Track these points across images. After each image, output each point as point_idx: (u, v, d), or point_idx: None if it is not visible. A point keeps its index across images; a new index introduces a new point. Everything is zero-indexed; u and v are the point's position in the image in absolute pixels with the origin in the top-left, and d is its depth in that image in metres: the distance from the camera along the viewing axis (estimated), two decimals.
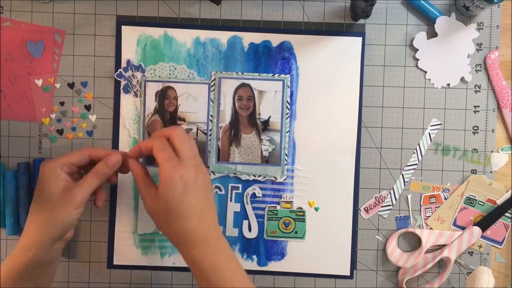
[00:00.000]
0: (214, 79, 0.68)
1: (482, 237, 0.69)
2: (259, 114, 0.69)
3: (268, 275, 0.69)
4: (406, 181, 0.69)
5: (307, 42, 0.68)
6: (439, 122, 0.69)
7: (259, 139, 0.69)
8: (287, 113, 0.69)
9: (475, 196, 0.69)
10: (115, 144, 0.69)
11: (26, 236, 0.56)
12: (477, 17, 0.68)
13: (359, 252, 0.69)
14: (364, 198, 0.69)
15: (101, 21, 0.69)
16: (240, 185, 0.69)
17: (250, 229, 0.69)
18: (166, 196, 0.54)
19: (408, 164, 0.69)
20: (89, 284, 0.70)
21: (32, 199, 0.57)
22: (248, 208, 0.69)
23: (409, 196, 0.69)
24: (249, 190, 0.69)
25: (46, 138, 0.69)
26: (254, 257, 0.69)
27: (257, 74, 0.68)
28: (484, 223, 0.68)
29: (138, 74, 0.68)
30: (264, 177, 0.69)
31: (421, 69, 0.69)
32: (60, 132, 0.69)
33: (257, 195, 0.69)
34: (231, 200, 0.69)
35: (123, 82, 0.68)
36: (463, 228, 0.69)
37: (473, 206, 0.69)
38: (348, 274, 0.69)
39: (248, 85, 0.68)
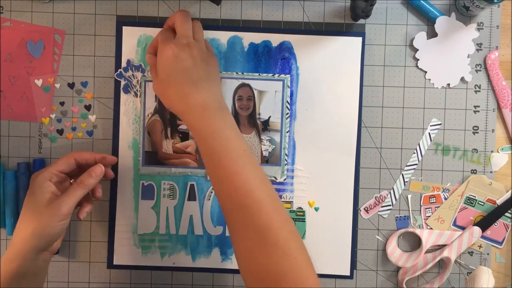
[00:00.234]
0: None
1: (482, 237, 0.69)
2: (259, 114, 0.69)
3: None
4: (406, 181, 0.69)
5: (307, 42, 0.68)
6: (439, 122, 0.69)
7: (259, 139, 0.69)
8: (287, 113, 0.69)
9: (475, 196, 0.69)
10: (115, 144, 0.69)
11: (12, 247, 0.56)
12: (477, 17, 0.68)
13: (359, 252, 0.69)
14: (364, 198, 0.69)
15: (101, 21, 0.69)
16: None
17: None
18: (160, 69, 0.60)
19: (408, 164, 0.69)
20: (89, 284, 0.70)
21: None
22: None
23: (409, 196, 0.69)
24: None
25: (46, 138, 0.69)
26: None
27: (257, 74, 0.68)
28: (484, 223, 0.68)
29: (138, 74, 0.68)
30: None
31: (421, 69, 0.69)
32: (60, 132, 0.69)
33: None
34: None
35: (123, 82, 0.68)
36: (463, 228, 0.69)
37: (473, 206, 0.69)
38: (348, 274, 0.69)
39: (248, 85, 0.68)
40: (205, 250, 0.69)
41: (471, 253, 0.69)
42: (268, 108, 0.68)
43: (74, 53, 0.69)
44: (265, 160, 0.69)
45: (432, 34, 0.68)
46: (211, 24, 0.69)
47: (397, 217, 0.69)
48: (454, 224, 0.69)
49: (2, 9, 0.68)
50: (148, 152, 0.69)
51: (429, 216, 0.69)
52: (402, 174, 0.69)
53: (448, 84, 0.69)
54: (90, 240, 0.69)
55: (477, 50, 0.69)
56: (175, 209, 0.69)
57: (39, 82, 0.68)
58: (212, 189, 0.68)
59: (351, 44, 0.68)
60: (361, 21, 0.68)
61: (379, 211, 0.69)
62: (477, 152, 0.69)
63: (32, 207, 0.57)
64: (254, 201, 0.53)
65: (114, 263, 0.69)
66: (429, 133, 0.69)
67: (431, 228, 0.69)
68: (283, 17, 0.69)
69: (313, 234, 0.69)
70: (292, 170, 0.69)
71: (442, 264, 0.69)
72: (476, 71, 0.69)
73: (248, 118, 0.69)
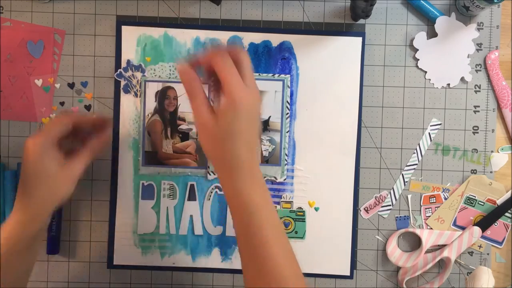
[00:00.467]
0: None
1: (482, 237, 0.69)
2: None
3: None
4: (406, 181, 0.69)
5: (307, 42, 0.68)
6: (439, 122, 0.69)
7: (259, 139, 0.69)
8: (287, 113, 0.69)
9: (475, 196, 0.69)
10: (115, 144, 0.69)
11: (24, 212, 0.56)
12: (477, 17, 0.68)
13: (359, 252, 0.69)
14: (364, 198, 0.69)
15: (101, 21, 0.69)
16: None
17: None
18: (226, 115, 0.51)
19: (408, 164, 0.69)
20: (89, 284, 0.70)
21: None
22: None
23: (409, 196, 0.69)
24: None
25: None
26: None
27: (257, 74, 0.68)
28: (484, 223, 0.68)
29: (138, 74, 0.68)
30: (264, 177, 0.68)
31: (421, 69, 0.69)
32: None
33: None
34: None
35: (123, 82, 0.68)
36: (463, 228, 0.69)
37: (473, 206, 0.69)
38: (348, 274, 0.69)
39: None
40: (205, 250, 0.69)
41: (471, 253, 0.69)
42: (268, 108, 0.68)
43: (74, 53, 0.69)
44: (265, 160, 0.69)
45: (432, 34, 0.68)
46: (211, 24, 0.69)
47: (397, 217, 0.69)
48: (454, 224, 0.69)
49: (2, 9, 0.68)
50: (148, 152, 0.69)
51: (429, 216, 0.69)
52: (402, 174, 0.69)
53: (448, 84, 0.69)
54: (90, 240, 0.69)
55: (477, 50, 0.69)
56: (175, 209, 0.69)
57: (39, 82, 0.68)
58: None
59: (351, 44, 0.68)
60: (361, 21, 0.68)
61: (379, 211, 0.69)
62: (477, 152, 0.69)
63: (44, 174, 0.55)
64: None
65: (114, 263, 0.69)
66: (429, 133, 0.69)
67: (431, 228, 0.69)
68: (283, 17, 0.69)
69: (313, 234, 0.69)
70: (292, 170, 0.69)
71: (442, 264, 0.69)
72: (476, 71, 0.69)
73: None
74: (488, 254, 0.69)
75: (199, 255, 0.69)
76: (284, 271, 0.51)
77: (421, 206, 0.69)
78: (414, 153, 0.69)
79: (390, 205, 0.69)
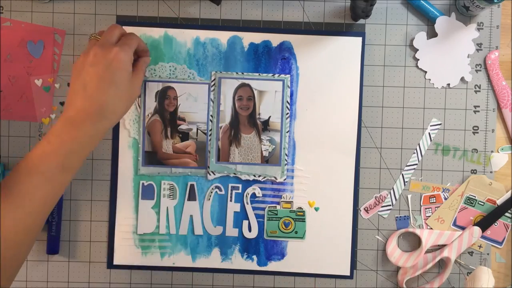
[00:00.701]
0: (214, 79, 0.68)
1: (482, 237, 0.69)
2: (259, 114, 0.69)
3: (268, 275, 0.69)
4: (406, 181, 0.69)
5: (307, 42, 0.68)
6: (439, 122, 0.69)
7: (259, 139, 0.69)
8: (287, 113, 0.69)
9: (475, 196, 0.69)
10: (115, 144, 0.69)
11: (113, 112, 0.59)
12: (477, 17, 0.68)
13: (359, 252, 0.69)
14: (364, 198, 0.69)
15: (101, 21, 0.69)
16: (240, 185, 0.69)
17: (250, 229, 0.69)
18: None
19: (408, 164, 0.69)
20: (89, 284, 0.70)
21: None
22: (248, 208, 0.69)
23: (409, 196, 0.69)
24: (249, 190, 0.69)
25: None
26: (254, 257, 0.69)
27: (257, 74, 0.68)
28: (484, 223, 0.68)
29: None
30: (264, 177, 0.69)
31: (421, 69, 0.69)
32: None
33: (257, 195, 0.69)
34: (231, 200, 0.69)
35: None
36: (463, 228, 0.69)
37: (473, 206, 0.69)
38: (348, 274, 0.69)
39: (248, 85, 0.68)
40: (205, 250, 0.69)
41: (471, 253, 0.69)
42: (268, 108, 0.68)
43: (74, 53, 0.69)
44: (265, 160, 0.69)
45: (432, 34, 0.68)
46: (211, 24, 0.69)
47: (397, 217, 0.69)
48: (454, 224, 0.69)
49: (2, 9, 0.68)
50: (148, 152, 0.69)
51: (429, 216, 0.69)
52: (402, 174, 0.69)
53: (448, 84, 0.69)
54: (90, 240, 0.69)
55: (477, 50, 0.69)
56: (175, 209, 0.69)
57: (39, 82, 0.68)
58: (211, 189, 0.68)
59: (351, 44, 0.68)
60: (361, 21, 0.68)
61: (379, 211, 0.69)
62: (477, 152, 0.69)
63: (126, 82, 0.59)
64: None
65: (114, 263, 0.69)
66: (429, 133, 0.69)
67: (431, 228, 0.69)
68: (283, 17, 0.69)
69: (313, 234, 0.69)
70: (292, 170, 0.69)
71: (442, 264, 0.69)
72: (476, 71, 0.69)
73: (248, 118, 0.69)
74: (488, 254, 0.69)
75: (199, 255, 0.69)
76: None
77: (421, 206, 0.69)
78: (414, 153, 0.69)
79: (390, 205, 0.69)
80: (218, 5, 0.68)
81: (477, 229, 0.68)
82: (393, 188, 0.69)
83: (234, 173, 0.68)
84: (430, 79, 0.69)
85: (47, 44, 0.68)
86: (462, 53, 0.68)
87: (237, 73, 0.68)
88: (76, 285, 0.70)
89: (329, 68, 0.68)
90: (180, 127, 0.69)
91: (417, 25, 0.69)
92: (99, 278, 0.69)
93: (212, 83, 0.68)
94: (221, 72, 0.68)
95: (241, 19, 0.69)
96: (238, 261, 0.69)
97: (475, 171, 0.69)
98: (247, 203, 0.69)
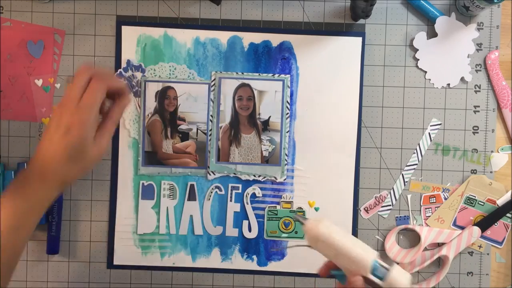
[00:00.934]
0: (214, 79, 0.68)
1: (482, 237, 0.69)
2: (259, 114, 0.69)
3: (268, 275, 0.69)
4: (406, 181, 0.69)
5: (307, 42, 0.68)
6: (439, 122, 0.69)
7: (259, 139, 0.69)
8: (287, 113, 0.69)
9: (475, 196, 0.69)
10: (115, 144, 0.69)
11: (44, 184, 0.53)
12: (477, 17, 0.68)
13: None
14: (364, 198, 0.69)
15: (101, 21, 0.69)
16: (240, 185, 0.69)
17: (250, 229, 0.69)
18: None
19: (408, 164, 0.69)
20: (89, 284, 0.70)
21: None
22: (248, 208, 0.69)
23: (409, 196, 0.69)
24: (249, 190, 0.69)
25: None
26: (254, 257, 0.69)
27: (257, 74, 0.68)
28: (484, 223, 0.68)
29: (138, 74, 0.68)
30: (264, 177, 0.69)
31: (421, 69, 0.69)
32: None
33: (257, 195, 0.69)
34: (231, 200, 0.69)
35: None
36: (463, 228, 0.69)
37: (473, 206, 0.69)
38: None
39: (248, 85, 0.68)
40: (205, 250, 0.69)
41: (471, 253, 0.69)
42: (268, 108, 0.68)
43: (74, 53, 0.69)
44: (265, 160, 0.69)
45: (432, 34, 0.68)
46: (211, 24, 0.69)
47: (397, 217, 0.69)
48: (454, 224, 0.69)
49: (2, 9, 0.68)
50: (148, 152, 0.69)
51: (429, 216, 0.69)
52: (402, 174, 0.69)
53: (448, 84, 0.69)
54: (90, 240, 0.69)
55: (477, 50, 0.69)
56: (175, 209, 0.69)
57: (39, 82, 0.68)
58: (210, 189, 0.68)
59: (351, 44, 0.68)
60: (361, 21, 0.68)
61: (379, 211, 0.69)
62: (477, 152, 0.69)
63: (87, 147, 0.52)
64: None
65: (114, 263, 0.69)
66: (429, 133, 0.69)
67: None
68: (283, 17, 0.69)
69: None
70: (292, 170, 0.69)
71: (440, 263, 0.69)
72: (476, 71, 0.69)
73: (248, 118, 0.69)
74: (488, 254, 0.69)
75: (199, 255, 0.69)
76: None
77: (421, 206, 0.69)
78: (414, 153, 0.69)
79: (390, 205, 0.69)
80: (218, 5, 0.68)
81: (476, 229, 0.67)
82: (393, 188, 0.69)
83: (234, 173, 0.68)
84: (430, 79, 0.69)
85: (47, 44, 0.68)
86: (462, 53, 0.68)
87: (237, 73, 0.68)
88: (76, 285, 0.70)
89: (329, 68, 0.68)
90: (180, 127, 0.69)
91: (417, 25, 0.69)
92: (99, 278, 0.69)
93: (212, 83, 0.68)
94: (221, 72, 0.68)
95: (241, 19, 0.69)
96: (238, 261, 0.69)
97: (475, 171, 0.69)
98: (247, 203, 0.69)
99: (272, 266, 0.69)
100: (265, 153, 0.69)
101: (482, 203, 0.68)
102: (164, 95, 0.68)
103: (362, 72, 0.68)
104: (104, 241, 0.69)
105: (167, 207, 0.69)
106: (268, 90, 0.68)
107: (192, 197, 0.69)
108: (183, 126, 0.69)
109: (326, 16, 0.69)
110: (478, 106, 0.69)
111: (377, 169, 0.69)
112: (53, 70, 0.69)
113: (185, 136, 0.69)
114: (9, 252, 0.52)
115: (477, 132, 0.69)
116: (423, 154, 0.69)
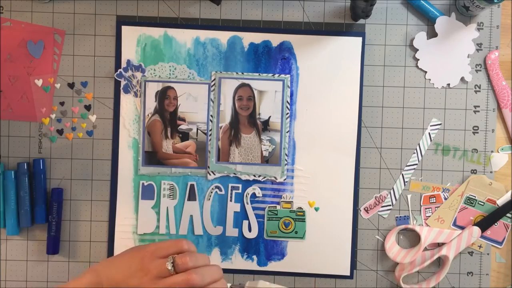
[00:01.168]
0: (214, 79, 0.68)
1: (482, 237, 0.69)
2: (259, 114, 0.69)
3: (268, 275, 0.69)
4: (406, 181, 0.69)
5: (307, 42, 0.68)
6: (439, 122, 0.69)
7: (259, 139, 0.69)
8: (287, 113, 0.69)
9: (475, 196, 0.69)
10: (115, 144, 0.69)
11: None
12: (477, 17, 0.68)
13: (359, 252, 0.69)
14: (364, 198, 0.69)
15: (101, 21, 0.69)
16: (240, 185, 0.69)
17: (250, 229, 0.69)
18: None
19: (408, 164, 0.69)
20: None
21: None
22: (248, 208, 0.69)
23: (409, 196, 0.69)
24: (249, 190, 0.69)
25: (46, 138, 0.69)
26: (254, 257, 0.69)
27: (257, 74, 0.68)
28: (484, 223, 0.68)
29: (138, 74, 0.68)
30: (264, 177, 0.69)
31: (421, 69, 0.69)
32: (60, 132, 0.69)
33: (257, 195, 0.69)
34: (231, 200, 0.69)
35: (123, 82, 0.68)
36: (463, 228, 0.69)
37: (473, 206, 0.69)
38: (348, 274, 0.69)
39: (248, 85, 0.68)
40: (205, 250, 0.69)
41: (471, 253, 0.69)
42: (268, 108, 0.68)
43: (74, 53, 0.69)
44: (265, 160, 0.69)
45: (432, 34, 0.68)
46: (211, 24, 0.69)
47: (397, 217, 0.69)
48: (454, 224, 0.69)
49: (2, 9, 0.68)
50: (148, 152, 0.69)
51: (429, 216, 0.69)
52: (402, 174, 0.69)
53: (448, 84, 0.69)
54: (90, 240, 0.69)
55: (477, 50, 0.69)
56: (175, 209, 0.69)
57: (39, 82, 0.68)
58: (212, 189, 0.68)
59: (351, 44, 0.68)
60: (361, 21, 0.68)
61: (379, 211, 0.69)
62: (477, 152, 0.69)
63: None
64: None
65: None
66: (429, 133, 0.69)
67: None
68: (283, 17, 0.69)
69: (313, 234, 0.69)
70: (292, 170, 0.69)
71: (440, 263, 0.69)
72: (476, 71, 0.69)
73: (248, 118, 0.69)
74: (488, 254, 0.69)
75: None
76: None
77: (421, 206, 0.69)
78: (414, 153, 0.69)
79: (390, 205, 0.69)
80: (218, 5, 0.68)
81: (476, 229, 0.67)
82: (393, 188, 0.69)
83: (234, 173, 0.68)
84: (430, 79, 0.69)
85: (47, 44, 0.68)
86: (462, 53, 0.68)
87: (237, 73, 0.68)
88: None
89: (329, 68, 0.68)
90: (180, 127, 0.69)
91: (417, 25, 0.69)
92: None
93: (212, 83, 0.68)
94: (221, 72, 0.68)
95: (241, 19, 0.69)
96: (238, 261, 0.69)
97: (475, 171, 0.69)
98: (247, 203, 0.69)
99: (272, 266, 0.69)
100: (265, 153, 0.69)
101: (482, 203, 0.68)
102: (164, 95, 0.68)
103: (362, 72, 0.68)
104: (104, 241, 0.69)
105: (167, 207, 0.69)
106: (268, 90, 0.68)
107: (192, 197, 0.69)
108: (183, 126, 0.69)
109: (326, 16, 0.69)
110: (478, 106, 0.69)
111: (377, 169, 0.69)
112: (53, 70, 0.69)
113: (185, 136, 0.69)
114: None
115: (477, 132, 0.69)
116: (423, 154, 0.69)
